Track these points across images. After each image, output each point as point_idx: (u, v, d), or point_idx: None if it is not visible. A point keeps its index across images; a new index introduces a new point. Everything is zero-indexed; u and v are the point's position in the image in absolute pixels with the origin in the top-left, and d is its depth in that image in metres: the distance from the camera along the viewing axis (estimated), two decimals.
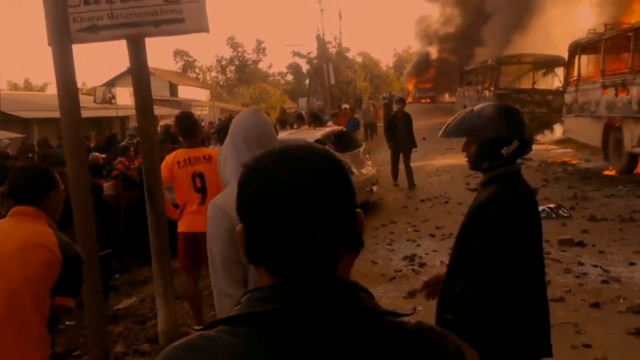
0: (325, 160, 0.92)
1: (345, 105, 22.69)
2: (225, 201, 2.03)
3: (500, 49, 25.39)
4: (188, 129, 4.79)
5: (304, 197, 0.87)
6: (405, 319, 0.94)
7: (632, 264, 5.80)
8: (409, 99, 44.40)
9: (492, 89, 20.00)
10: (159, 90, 34.53)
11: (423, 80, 43.36)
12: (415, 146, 11.56)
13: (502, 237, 2.08)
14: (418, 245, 7.30)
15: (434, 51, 41.44)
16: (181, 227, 4.63)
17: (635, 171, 11.15)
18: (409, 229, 8.19)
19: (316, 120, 13.88)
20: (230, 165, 2.13)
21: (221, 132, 11.55)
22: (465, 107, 18.58)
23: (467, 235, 2.18)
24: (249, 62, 58.68)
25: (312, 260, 0.89)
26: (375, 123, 22.60)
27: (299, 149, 0.93)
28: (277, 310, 0.86)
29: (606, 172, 11.62)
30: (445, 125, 2.39)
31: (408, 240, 7.61)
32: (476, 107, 2.34)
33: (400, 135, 11.30)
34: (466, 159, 2.32)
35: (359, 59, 62.86)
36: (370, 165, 10.08)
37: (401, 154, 11.43)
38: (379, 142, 19.62)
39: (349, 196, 0.93)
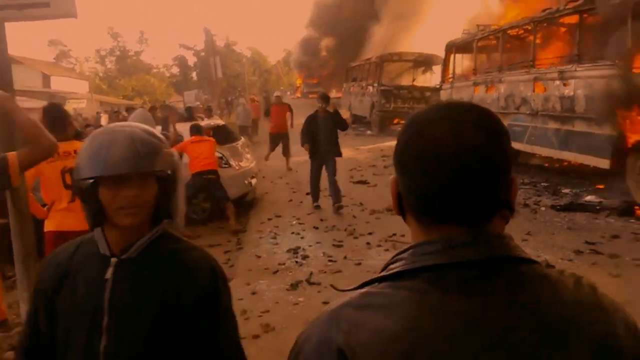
0: (497, 120, 0.93)
1: (252, 97, 22.39)
2: None
3: (384, 47, 26.26)
4: (56, 121, 4.50)
5: (479, 150, 0.87)
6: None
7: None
8: (297, 94, 44.86)
9: (375, 85, 20.66)
10: (29, 81, 32.22)
11: (310, 75, 43.84)
12: (340, 154, 8.84)
13: None
14: (302, 238, 7.40)
15: (323, 44, 41.89)
16: (49, 226, 4.35)
17: None
18: (294, 222, 8.28)
19: (191, 113, 13.66)
20: None
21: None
22: (350, 102, 19.05)
23: None
24: (131, 53, 56.30)
25: (467, 216, 0.89)
26: (256, 120, 22.00)
27: (463, 106, 0.93)
28: (451, 264, 0.86)
29: None
30: None
31: (293, 233, 7.70)
32: None
33: (322, 144, 8.68)
34: None
35: (248, 53, 62.47)
36: (249, 158, 10.09)
37: (324, 167, 8.84)
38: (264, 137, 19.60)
39: (510, 158, 0.93)
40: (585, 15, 9.14)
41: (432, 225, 0.90)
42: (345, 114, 25.90)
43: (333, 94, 38.67)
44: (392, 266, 0.91)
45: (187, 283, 1.44)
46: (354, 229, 7.50)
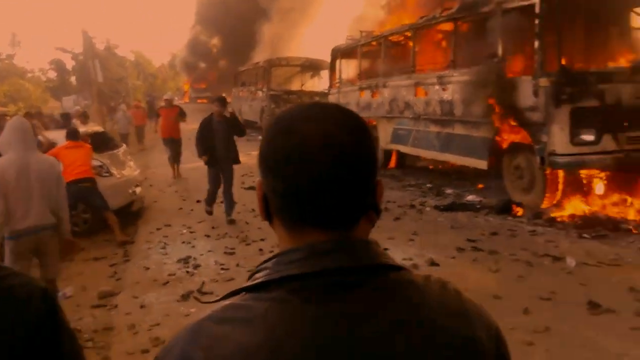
0: (363, 122, 0.90)
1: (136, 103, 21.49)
2: None
3: (273, 51, 26.32)
4: None
5: (345, 151, 0.85)
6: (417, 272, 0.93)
7: (385, 249, 6.33)
8: (185, 99, 43.82)
9: (264, 90, 20.66)
10: None
11: (198, 80, 43.01)
12: (238, 162, 8.38)
13: None
14: (193, 247, 7.20)
15: (212, 45, 41.10)
16: None
17: (390, 165, 12.42)
18: (184, 231, 8.04)
19: (67, 120, 12.92)
20: None
21: None
22: (240, 107, 18.82)
23: None
24: (3, 56, 52.34)
25: (334, 220, 0.86)
26: (142, 126, 21.25)
27: (331, 106, 0.91)
28: (312, 273, 0.83)
29: None
30: None
31: (183, 242, 7.46)
32: None
33: (219, 150, 8.14)
34: None
35: (132, 57, 60.15)
36: (132, 166, 9.69)
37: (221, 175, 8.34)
38: (155, 142, 18.98)
39: (376, 160, 0.90)
40: (459, 23, 9.66)
41: (298, 231, 0.88)
42: None
43: None
44: (256, 276, 0.88)
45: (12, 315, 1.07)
46: (246, 236, 7.41)
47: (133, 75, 55.05)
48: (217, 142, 8.14)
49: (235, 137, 8.31)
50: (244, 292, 0.86)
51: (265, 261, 0.89)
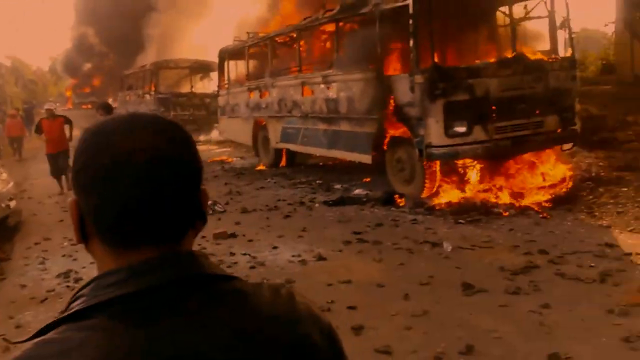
0: (184, 131, 0.88)
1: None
2: None
3: (161, 52, 25.60)
4: None
5: (163, 164, 0.81)
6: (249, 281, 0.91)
7: (275, 247, 6.48)
8: (69, 105, 41.60)
9: (152, 93, 20.12)
10: None
11: (82, 84, 40.99)
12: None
13: None
14: (75, 260, 6.86)
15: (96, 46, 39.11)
16: None
17: (281, 164, 12.52)
18: (66, 244, 7.64)
19: None
20: None
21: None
22: (127, 112, 18.28)
23: None
24: None
25: (161, 234, 0.83)
26: (20, 137, 19.81)
27: (150, 116, 0.87)
28: (134, 293, 0.78)
29: (258, 168, 12.76)
30: None
31: (64, 255, 7.09)
32: None
33: None
34: None
35: (8, 62, 56.22)
36: (5, 179, 9.10)
37: None
38: (35, 152, 17.88)
39: (198, 170, 0.88)
40: (340, 24, 9.91)
41: (120, 251, 0.82)
42: None
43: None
44: (73, 305, 0.81)
45: None
46: None
47: (10, 81, 51.49)
48: None
49: None
50: (64, 324, 0.78)
51: (82, 287, 0.83)
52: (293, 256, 6.11)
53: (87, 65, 39.13)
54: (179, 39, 26.88)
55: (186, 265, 0.84)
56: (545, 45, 9.16)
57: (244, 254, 6.27)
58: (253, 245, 6.68)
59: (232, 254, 6.31)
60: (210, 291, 0.84)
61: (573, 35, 9.13)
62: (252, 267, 5.85)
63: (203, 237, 7.09)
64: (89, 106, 38.98)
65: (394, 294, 4.93)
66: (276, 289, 0.91)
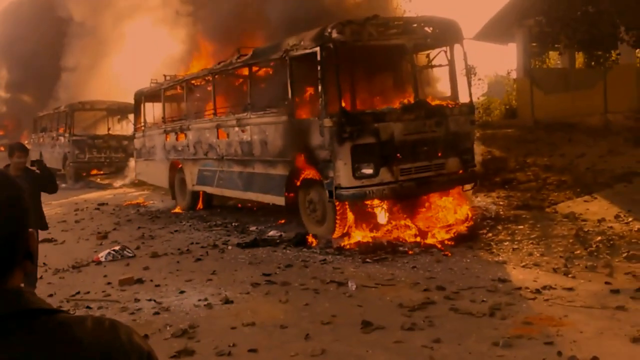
0: (10, 177, 1.00)
1: None
2: None
3: (77, 94, 24.97)
4: None
5: None
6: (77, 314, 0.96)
7: (182, 292, 6.42)
8: None
9: (67, 135, 19.62)
10: None
11: None
12: (46, 227, 6.41)
13: None
14: None
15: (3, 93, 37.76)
16: None
17: (198, 207, 12.43)
18: None
19: None
20: None
21: None
22: (41, 154, 17.39)
23: None
24: None
25: None
26: None
27: None
28: None
29: (174, 211, 12.61)
30: None
31: None
32: None
33: None
34: None
35: None
36: None
37: None
38: None
39: (27, 212, 1.00)
40: (254, 68, 10.14)
41: None
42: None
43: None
44: None
45: None
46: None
47: None
48: None
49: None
50: None
51: None
52: (199, 300, 6.07)
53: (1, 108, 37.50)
54: (96, 78, 26.31)
55: (11, 300, 0.94)
56: (448, 92, 9.72)
57: (149, 300, 6.17)
58: (160, 290, 6.59)
59: (137, 300, 6.20)
60: (36, 323, 0.94)
61: (473, 83, 9.77)
62: (156, 313, 5.76)
63: (108, 283, 6.94)
64: (1, 149, 37.33)
65: (296, 334, 5.00)
66: (100, 321, 1.02)
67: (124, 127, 20.72)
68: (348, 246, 8.01)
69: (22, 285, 1.02)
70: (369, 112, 8.46)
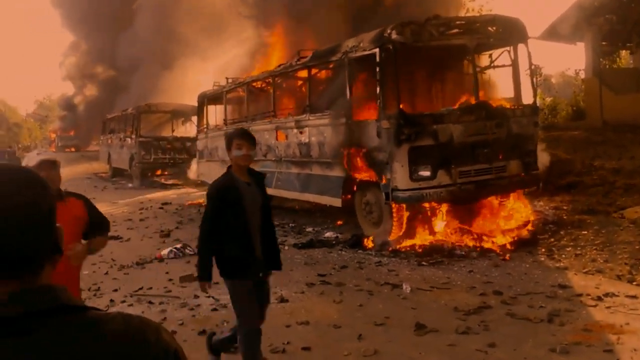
0: (32, 175, 1.01)
1: None
2: None
3: (144, 97, 25.88)
4: None
5: (19, 204, 0.95)
6: (109, 311, 1.04)
7: None
8: (52, 148, 41.63)
9: (133, 136, 20.33)
10: None
11: (67, 127, 41.21)
12: (279, 266, 4.35)
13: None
14: None
15: (79, 99, 39.65)
16: None
17: None
18: None
19: None
20: None
21: None
22: (109, 155, 18.10)
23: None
24: None
25: (13, 270, 0.94)
26: None
27: (4, 164, 1.01)
28: None
29: None
30: None
31: None
32: None
33: (256, 244, 4.14)
34: None
35: None
36: None
37: None
38: None
39: (53, 208, 1.01)
40: (313, 70, 10.23)
41: None
42: (104, 167, 24.93)
43: (93, 146, 36.82)
44: None
45: None
46: (99, 287, 7.20)
47: None
48: (252, 226, 3.99)
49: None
50: None
51: None
52: None
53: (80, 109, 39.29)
54: (165, 83, 27.21)
55: (39, 298, 0.95)
56: (511, 93, 9.50)
57: (208, 297, 6.32)
58: (218, 287, 6.68)
59: (197, 296, 6.37)
60: (60, 323, 0.95)
61: (538, 84, 9.50)
62: (214, 310, 5.92)
63: (170, 279, 7.16)
64: (73, 149, 39.16)
65: (349, 334, 5.02)
66: (128, 318, 1.04)
67: (188, 129, 21.32)
68: (404, 249, 7.96)
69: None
70: (427, 114, 8.38)
